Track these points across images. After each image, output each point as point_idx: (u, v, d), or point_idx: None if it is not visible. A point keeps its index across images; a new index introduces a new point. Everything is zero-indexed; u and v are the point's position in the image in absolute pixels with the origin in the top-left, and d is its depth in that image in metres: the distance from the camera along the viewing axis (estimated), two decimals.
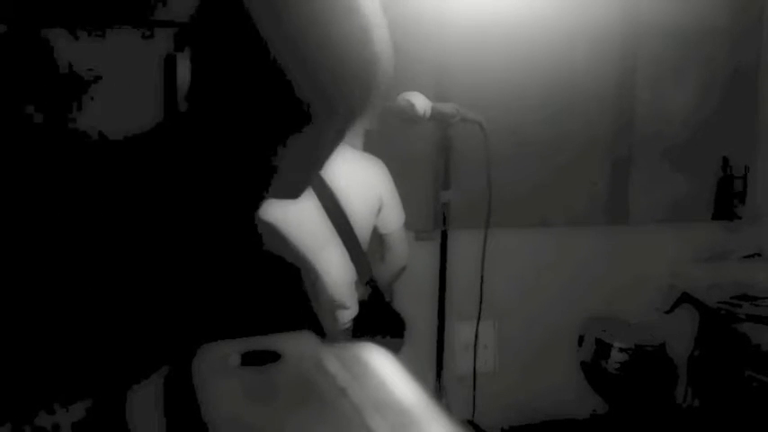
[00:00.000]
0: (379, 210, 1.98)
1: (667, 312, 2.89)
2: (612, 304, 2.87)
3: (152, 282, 0.66)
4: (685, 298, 2.85)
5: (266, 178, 0.70)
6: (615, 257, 2.91)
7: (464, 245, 2.11)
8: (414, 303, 2.21)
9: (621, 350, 2.62)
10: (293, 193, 0.77)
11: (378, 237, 2.04)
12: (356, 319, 1.95)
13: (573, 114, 2.82)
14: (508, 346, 2.82)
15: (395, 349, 1.37)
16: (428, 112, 1.81)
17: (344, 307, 1.90)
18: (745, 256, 2.99)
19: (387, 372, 0.31)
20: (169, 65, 0.59)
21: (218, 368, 0.32)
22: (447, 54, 2.61)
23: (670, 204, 2.99)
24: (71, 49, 0.55)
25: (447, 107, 1.89)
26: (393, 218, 2.02)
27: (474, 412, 2.15)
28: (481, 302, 2.01)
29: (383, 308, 2.01)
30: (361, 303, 1.96)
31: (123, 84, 0.59)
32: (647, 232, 2.96)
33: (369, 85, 0.68)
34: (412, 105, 1.82)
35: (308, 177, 0.75)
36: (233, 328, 0.64)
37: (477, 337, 2.04)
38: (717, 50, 2.99)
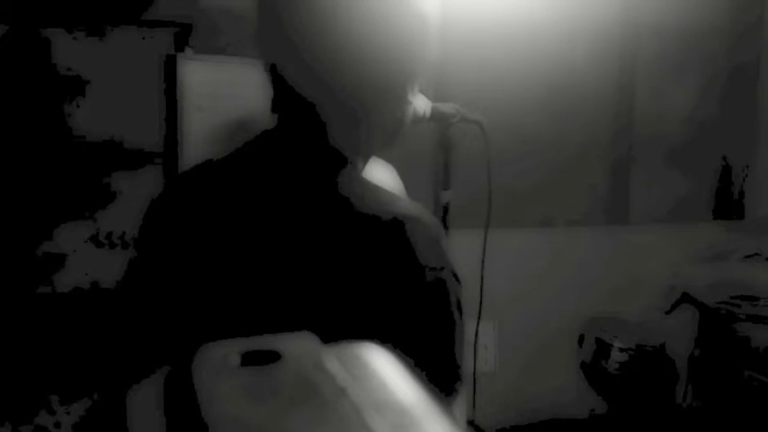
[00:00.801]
0: None
1: (667, 312, 2.88)
2: (612, 304, 2.87)
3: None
4: (685, 298, 2.85)
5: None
6: (615, 257, 2.91)
7: (464, 245, 2.10)
8: None
9: (621, 350, 2.62)
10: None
11: None
12: None
13: (573, 114, 2.82)
14: (508, 346, 2.82)
15: None
16: (428, 112, 1.80)
17: None
18: (745, 256, 2.99)
19: (387, 372, 0.31)
20: (169, 65, 0.60)
21: (218, 368, 0.32)
22: (447, 54, 2.61)
23: (670, 204, 2.99)
24: (71, 50, 0.56)
25: (447, 107, 1.88)
26: None
27: (474, 412, 2.15)
28: (481, 302, 2.00)
29: None
30: None
31: (123, 84, 0.60)
32: (647, 232, 2.96)
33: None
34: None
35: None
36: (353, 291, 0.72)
37: (477, 336, 2.04)
38: (717, 50, 2.99)
